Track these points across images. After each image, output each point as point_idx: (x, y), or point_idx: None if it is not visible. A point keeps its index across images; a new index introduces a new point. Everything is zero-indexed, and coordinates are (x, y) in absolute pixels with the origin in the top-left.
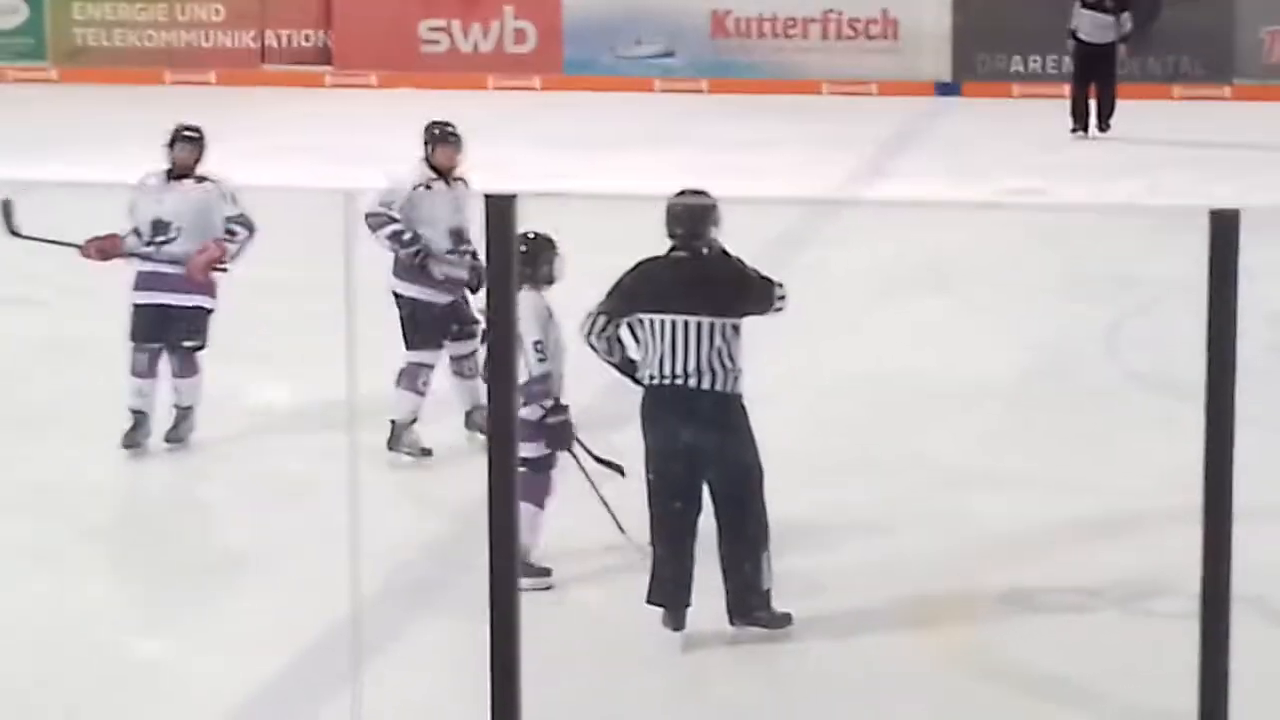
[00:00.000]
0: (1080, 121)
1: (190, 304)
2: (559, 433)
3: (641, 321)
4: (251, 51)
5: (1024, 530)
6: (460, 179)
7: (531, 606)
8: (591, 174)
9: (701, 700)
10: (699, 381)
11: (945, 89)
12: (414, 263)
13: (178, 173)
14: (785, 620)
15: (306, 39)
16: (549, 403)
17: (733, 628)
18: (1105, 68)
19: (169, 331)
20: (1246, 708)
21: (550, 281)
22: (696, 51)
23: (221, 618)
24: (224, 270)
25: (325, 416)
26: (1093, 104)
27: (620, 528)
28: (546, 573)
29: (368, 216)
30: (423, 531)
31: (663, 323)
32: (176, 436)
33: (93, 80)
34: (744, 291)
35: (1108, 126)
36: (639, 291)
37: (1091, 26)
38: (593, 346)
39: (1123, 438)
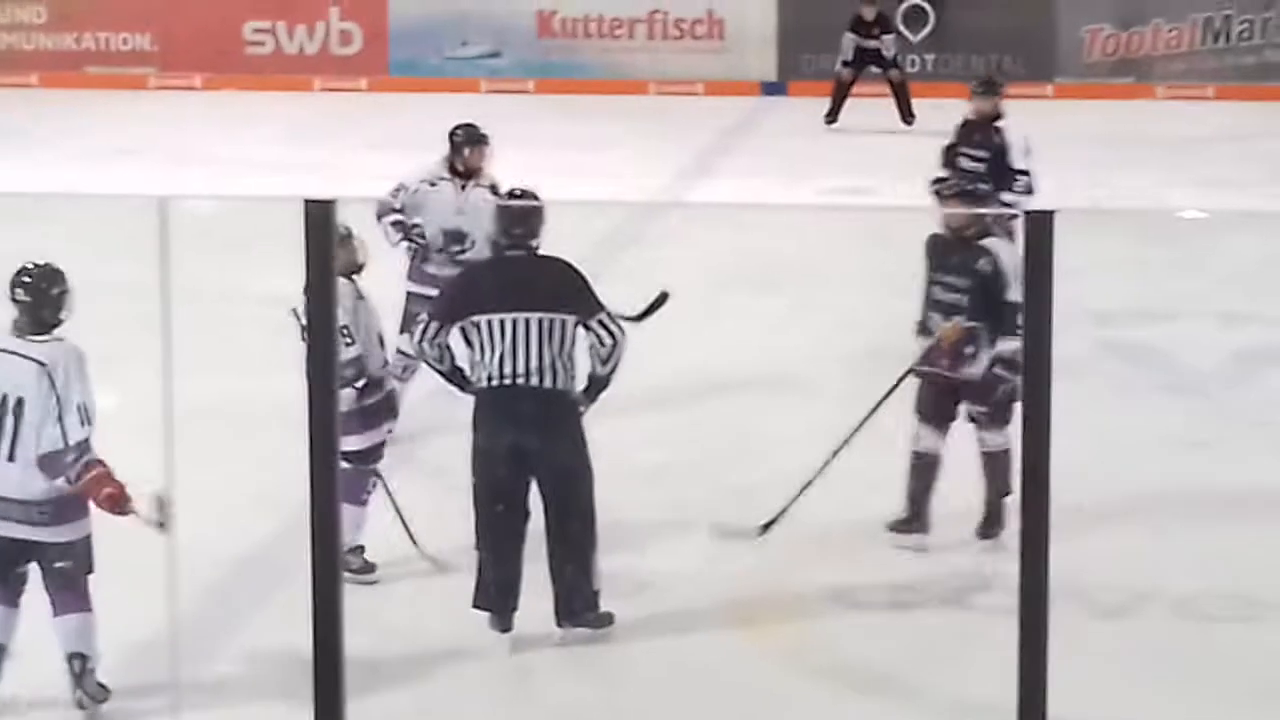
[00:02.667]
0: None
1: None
2: (378, 413)
3: (476, 324)
4: (74, 54)
5: (847, 527)
6: (487, 183)
7: (357, 606)
8: (418, 176)
9: (529, 701)
10: (534, 380)
11: (771, 89)
12: (408, 255)
13: (467, 176)
14: (608, 620)
15: (127, 41)
16: (361, 383)
17: (560, 629)
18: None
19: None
20: (1064, 699)
21: (358, 269)
22: (523, 52)
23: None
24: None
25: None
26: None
27: (414, 540)
28: (371, 569)
29: (377, 204)
30: (246, 533)
31: (500, 322)
32: None
33: None
34: (575, 291)
35: (911, 119)
36: (472, 293)
37: (854, 51)
38: (423, 353)
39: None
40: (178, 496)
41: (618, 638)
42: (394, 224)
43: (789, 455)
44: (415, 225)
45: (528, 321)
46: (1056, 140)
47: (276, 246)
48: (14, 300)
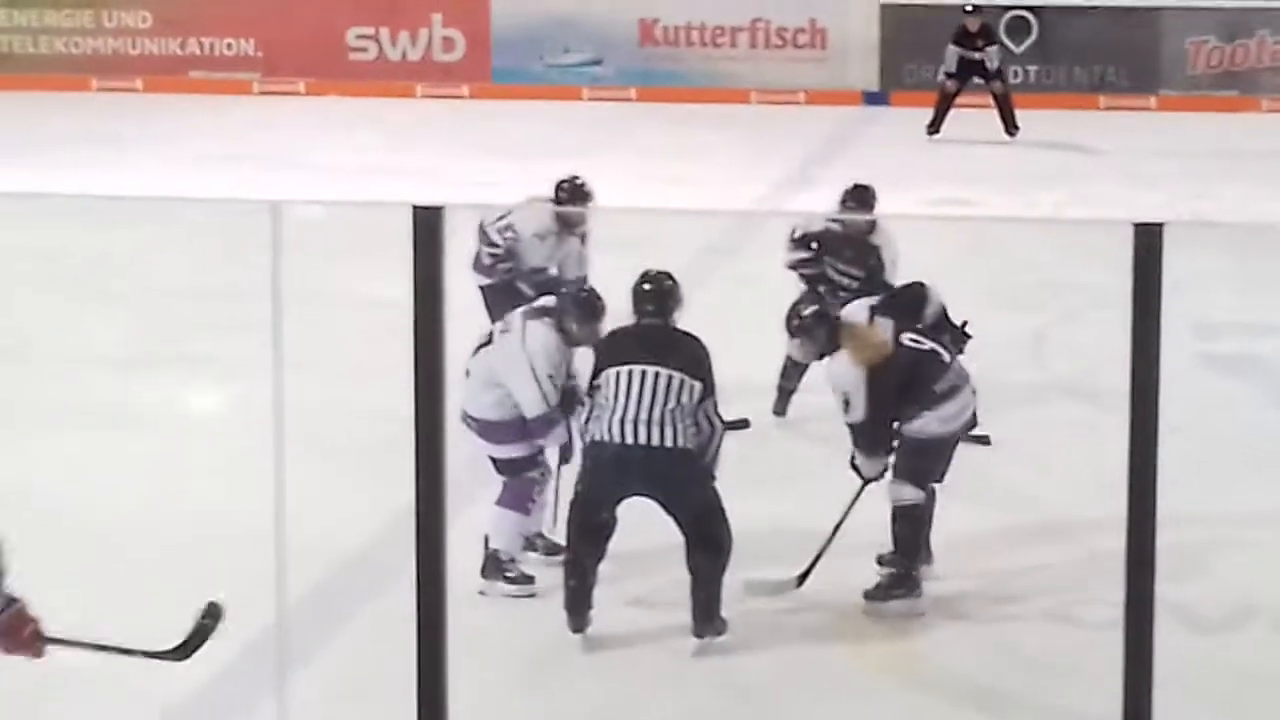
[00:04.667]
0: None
1: None
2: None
3: (608, 376)
4: (178, 59)
5: (949, 538)
6: (580, 233)
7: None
8: (520, 182)
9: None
10: (656, 435)
11: (873, 98)
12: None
13: (566, 227)
14: (724, 628)
15: (232, 47)
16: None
17: (697, 640)
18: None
19: None
20: (1170, 715)
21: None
22: (625, 60)
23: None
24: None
25: (256, 417)
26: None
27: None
28: (557, 549)
29: (481, 230)
30: (355, 534)
31: (630, 373)
32: None
33: (18, 88)
34: (701, 365)
35: (1014, 130)
36: (608, 350)
37: (958, 62)
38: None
39: (1048, 446)
40: (288, 495)
41: (720, 647)
42: (490, 255)
43: None
44: (506, 263)
45: (658, 376)
46: (1160, 153)
47: (383, 251)
48: None
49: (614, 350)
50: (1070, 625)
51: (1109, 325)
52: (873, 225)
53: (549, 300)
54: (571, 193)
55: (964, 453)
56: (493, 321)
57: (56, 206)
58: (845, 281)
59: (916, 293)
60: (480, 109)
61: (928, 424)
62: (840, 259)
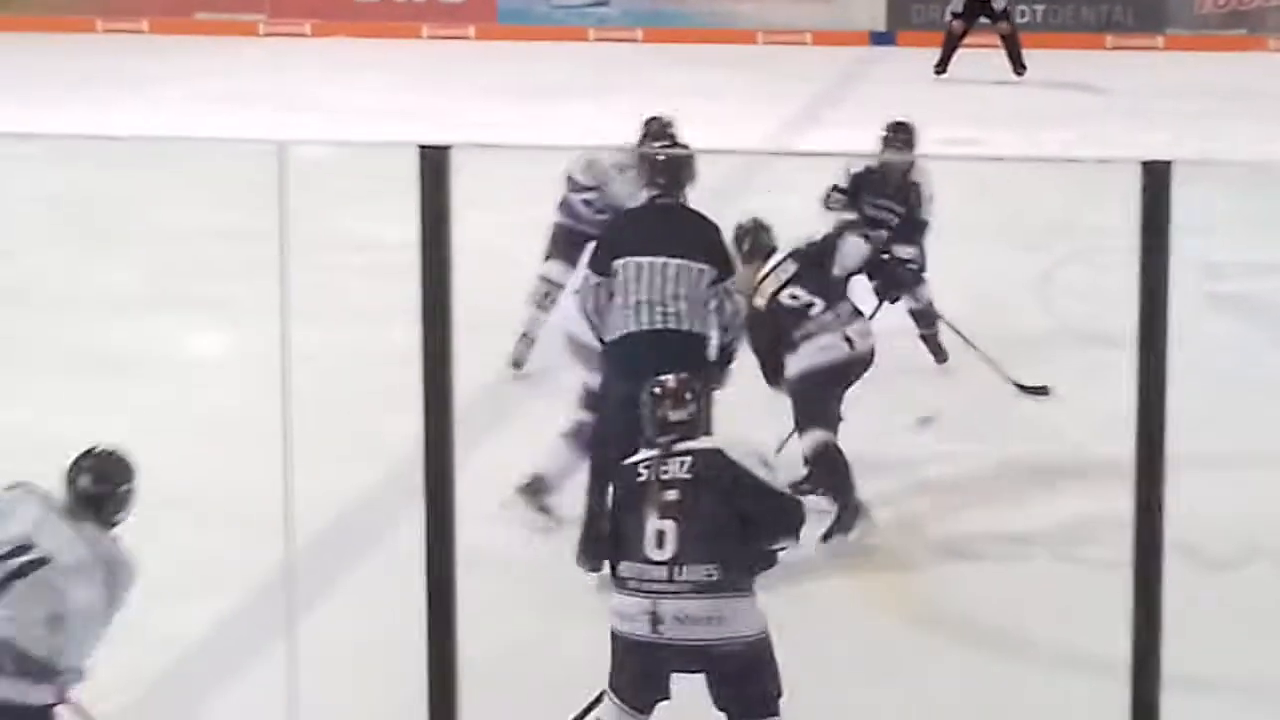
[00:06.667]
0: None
1: None
2: None
3: (623, 266)
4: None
5: (956, 477)
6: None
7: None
8: (527, 123)
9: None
10: (673, 324)
11: (880, 39)
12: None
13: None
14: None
15: None
16: None
17: None
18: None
19: None
20: (1179, 654)
21: None
22: (631, 1)
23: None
24: None
25: (263, 361)
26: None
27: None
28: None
29: (570, 178)
30: (363, 476)
31: (644, 265)
32: None
33: (24, 29)
34: (715, 247)
35: (1022, 70)
36: (620, 239)
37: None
38: (590, 319)
39: (1057, 385)
40: (295, 439)
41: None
42: (583, 202)
43: (887, 402)
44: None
45: (667, 267)
46: (1167, 92)
47: (391, 192)
48: (73, 485)
49: (623, 238)
50: (1079, 565)
51: (1117, 266)
52: (912, 163)
53: None
54: (658, 133)
55: (971, 391)
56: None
57: (61, 147)
58: (884, 217)
59: (827, 243)
60: (486, 50)
61: (795, 366)
62: (880, 195)
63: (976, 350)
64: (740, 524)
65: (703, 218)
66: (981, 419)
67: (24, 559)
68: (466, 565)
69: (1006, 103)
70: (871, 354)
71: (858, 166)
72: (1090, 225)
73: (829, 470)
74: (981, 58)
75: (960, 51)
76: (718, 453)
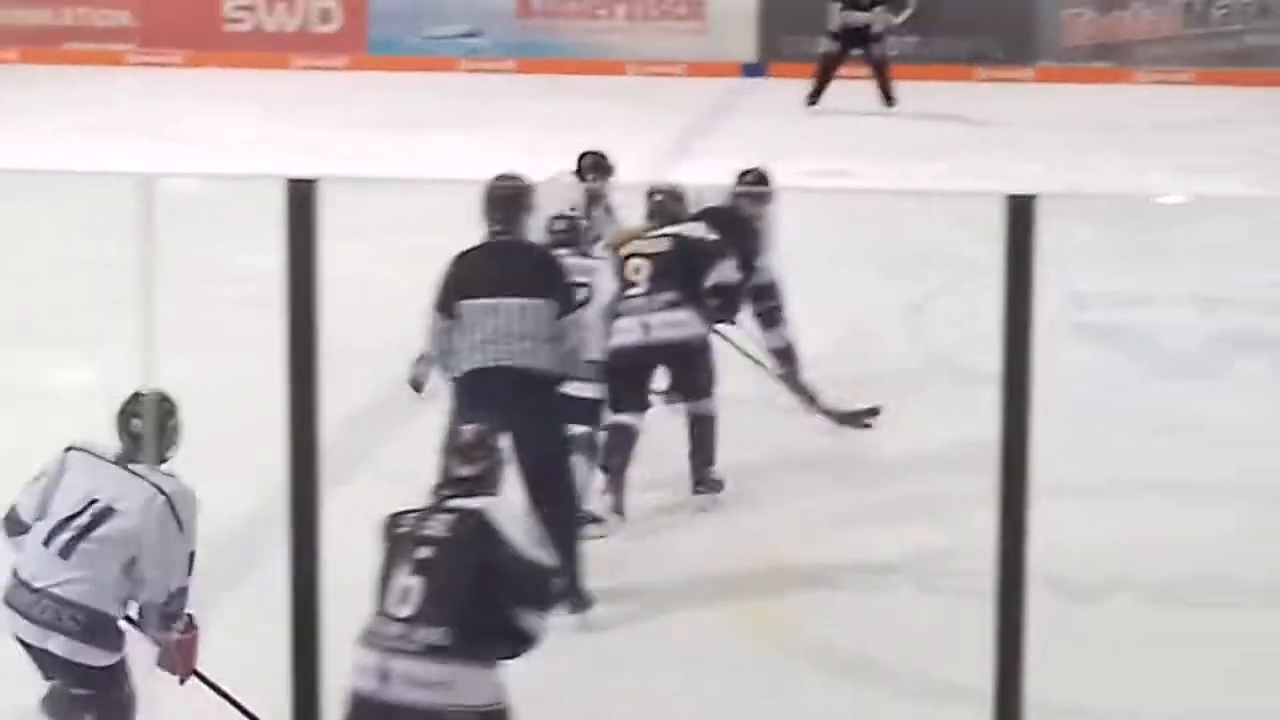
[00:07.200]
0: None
1: None
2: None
3: (463, 310)
4: (53, 29)
5: (821, 509)
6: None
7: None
8: (398, 155)
9: None
10: (512, 361)
11: (752, 70)
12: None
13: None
14: (588, 603)
15: (107, 17)
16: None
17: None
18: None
19: None
20: (1041, 684)
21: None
22: (503, 32)
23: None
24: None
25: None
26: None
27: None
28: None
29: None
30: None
31: (484, 307)
32: None
33: None
34: (555, 283)
35: (893, 102)
36: (460, 281)
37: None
38: (438, 359)
39: (922, 417)
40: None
41: (594, 616)
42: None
43: (761, 433)
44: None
45: (509, 307)
46: (1038, 124)
47: (258, 225)
48: (125, 429)
49: (463, 280)
50: (942, 596)
51: (985, 297)
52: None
53: None
54: (594, 166)
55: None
56: None
57: None
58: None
59: (707, 247)
60: (358, 80)
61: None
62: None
63: (805, 397)
64: (484, 591)
65: (543, 252)
66: (845, 447)
67: (93, 511)
68: (333, 596)
69: (878, 134)
70: (670, 347)
71: (708, 202)
72: (959, 256)
73: (615, 451)
74: (853, 89)
75: (832, 83)
76: (478, 514)
